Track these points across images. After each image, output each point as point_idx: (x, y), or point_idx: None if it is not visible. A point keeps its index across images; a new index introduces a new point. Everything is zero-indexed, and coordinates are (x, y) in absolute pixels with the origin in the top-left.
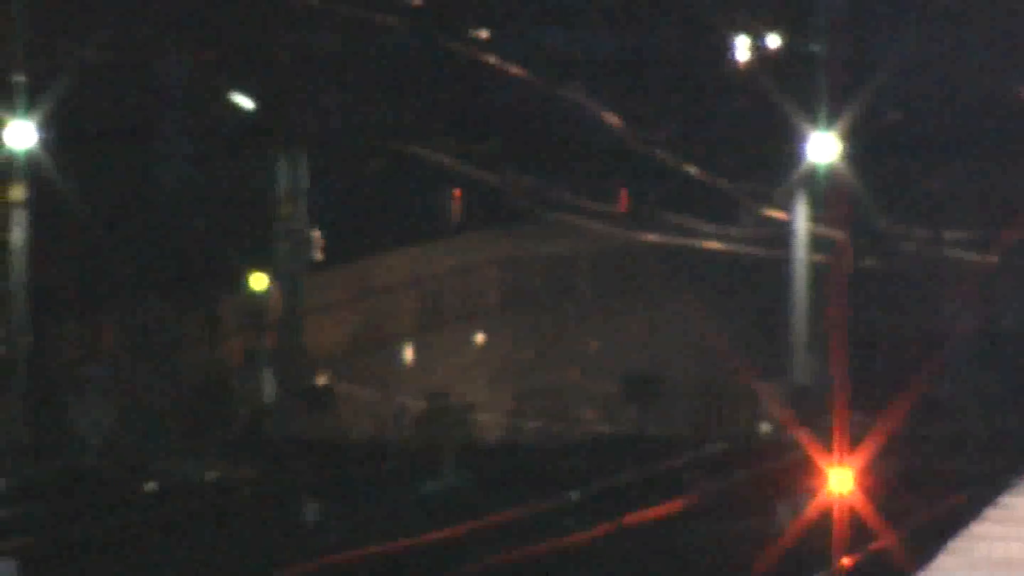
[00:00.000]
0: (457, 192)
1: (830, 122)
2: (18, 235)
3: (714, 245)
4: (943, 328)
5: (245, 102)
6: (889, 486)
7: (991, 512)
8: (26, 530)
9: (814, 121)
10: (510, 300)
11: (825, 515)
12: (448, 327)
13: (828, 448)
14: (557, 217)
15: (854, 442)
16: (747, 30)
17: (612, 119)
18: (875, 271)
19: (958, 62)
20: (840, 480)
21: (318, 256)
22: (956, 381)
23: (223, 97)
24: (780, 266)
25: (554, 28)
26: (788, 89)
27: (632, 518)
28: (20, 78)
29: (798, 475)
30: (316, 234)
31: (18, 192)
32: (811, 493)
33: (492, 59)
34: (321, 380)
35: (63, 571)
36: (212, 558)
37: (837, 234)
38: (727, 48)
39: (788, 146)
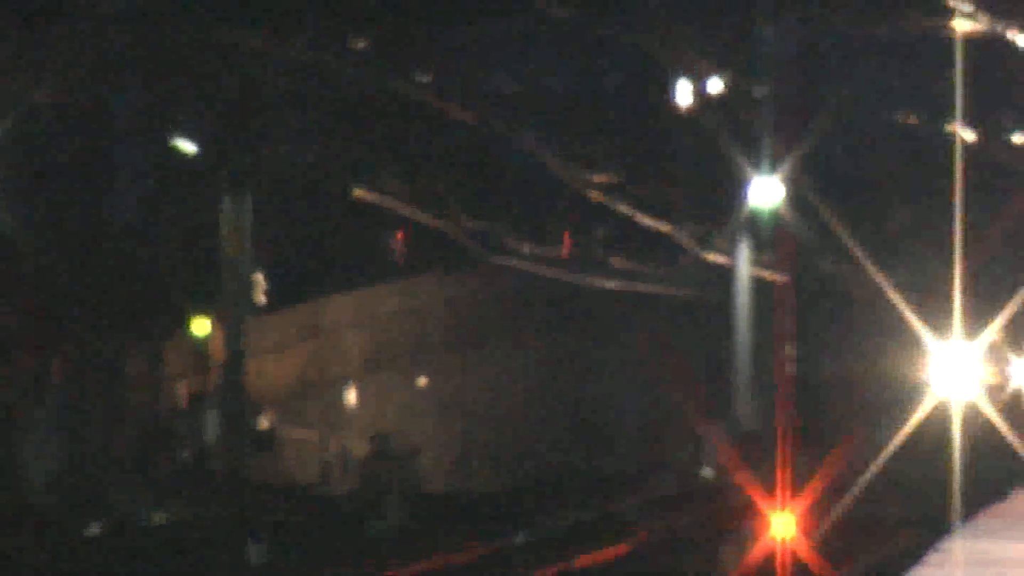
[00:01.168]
0: (400, 234)
1: (773, 166)
2: None
3: (654, 288)
4: (887, 371)
5: (188, 143)
6: (832, 530)
7: (932, 556)
8: None
9: (757, 165)
10: (455, 342)
11: (768, 558)
12: (394, 369)
13: (771, 492)
14: (501, 260)
15: (797, 486)
16: (691, 73)
17: (556, 162)
18: (822, 314)
19: (902, 103)
20: (783, 524)
21: (262, 299)
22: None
23: (169, 136)
24: (725, 308)
25: (500, 71)
26: (732, 133)
27: (578, 561)
28: None
29: (742, 518)
30: (260, 276)
31: None
32: (754, 537)
33: (438, 101)
34: (265, 422)
35: None
36: None
37: (780, 278)
38: (670, 92)
39: (732, 190)
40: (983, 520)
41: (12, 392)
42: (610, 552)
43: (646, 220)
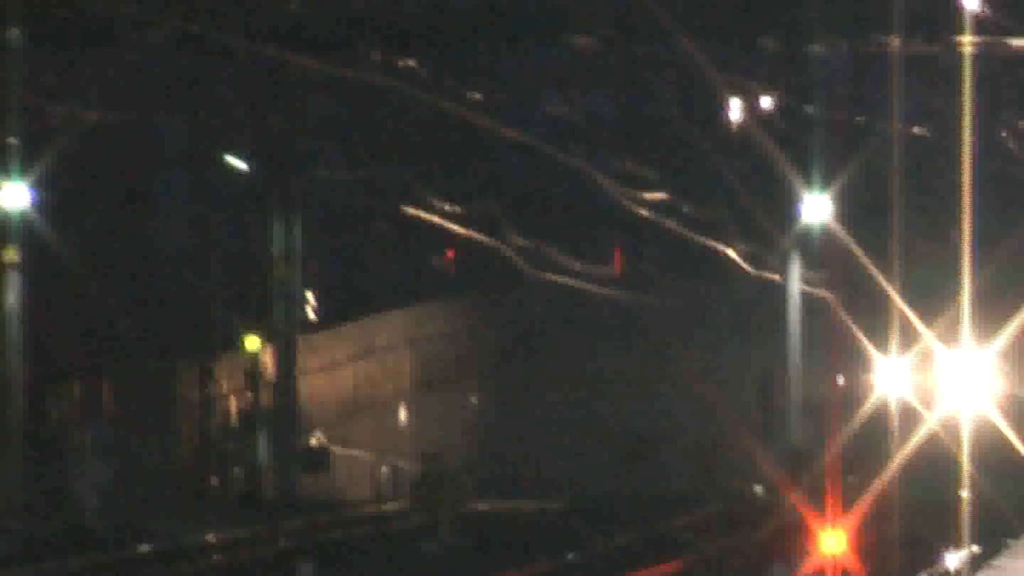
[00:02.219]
0: (451, 253)
1: (824, 183)
2: (13, 297)
3: (705, 306)
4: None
5: (241, 164)
6: (883, 547)
7: (985, 574)
8: None
9: (808, 182)
10: (503, 360)
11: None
12: (443, 387)
13: (821, 510)
14: (551, 277)
15: (847, 504)
16: (742, 93)
17: (608, 181)
18: (868, 332)
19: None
20: (833, 541)
21: (312, 317)
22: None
23: (220, 159)
24: (775, 328)
25: (552, 92)
26: (784, 150)
27: None
28: (14, 140)
29: (792, 536)
30: (311, 295)
31: (12, 254)
32: (805, 554)
33: (490, 122)
34: (316, 441)
35: None
36: None
37: (831, 295)
38: (723, 111)
39: (782, 208)
40: None
41: (63, 414)
42: (661, 571)
43: (697, 238)
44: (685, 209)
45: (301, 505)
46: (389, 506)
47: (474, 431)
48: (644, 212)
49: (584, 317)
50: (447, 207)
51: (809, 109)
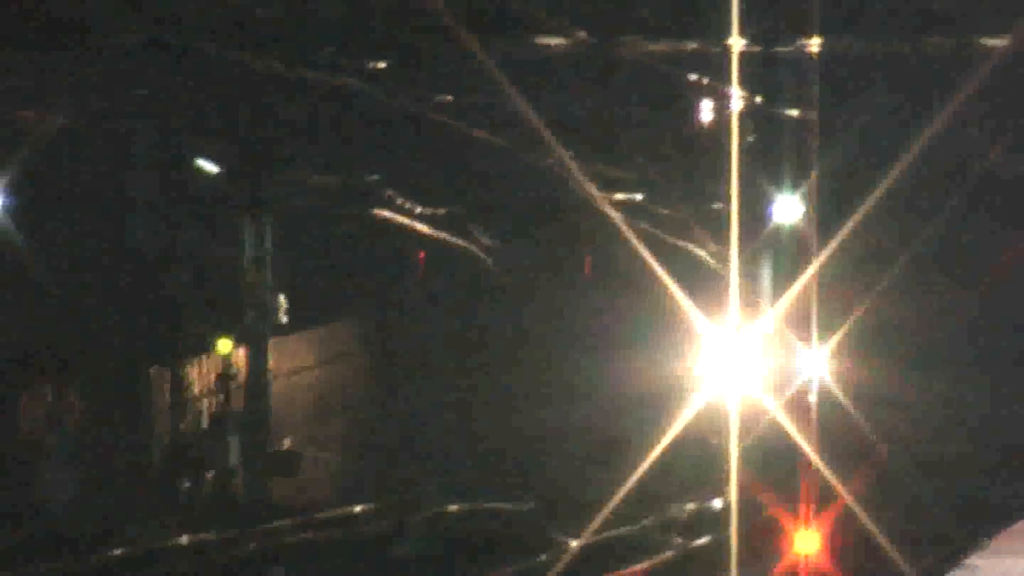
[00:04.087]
0: (422, 254)
1: (796, 184)
2: None
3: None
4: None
5: (210, 166)
6: (856, 547)
7: (957, 573)
8: None
9: (780, 183)
10: (474, 362)
11: None
12: (413, 387)
13: (795, 510)
14: (523, 280)
15: (821, 504)
16: (713, 91)
17: (578, 182)
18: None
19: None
20: (807, 542)
21: (283, 320)
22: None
23: (189, 161)
24: None
25: (520, 91)
26: (754, 151)
27: None
28: None
29: (764, 535)
30: (282, 298)
31: None
32: (778, 554)
33: (458, 122)
34: (287, 444)
35: None
36: None
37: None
38: (694, 110)
39: (754, 208)
40: (1007, 537)
41: (31, 417)
42: (629, 572)
43: (668, 239)
44: (656, 210)
45: (272, 507)
46: (359, 508)
47: (447, 431)
48: (615, 213)
49: (556, 319)
50: (418, 209)
51: (781, 109)
